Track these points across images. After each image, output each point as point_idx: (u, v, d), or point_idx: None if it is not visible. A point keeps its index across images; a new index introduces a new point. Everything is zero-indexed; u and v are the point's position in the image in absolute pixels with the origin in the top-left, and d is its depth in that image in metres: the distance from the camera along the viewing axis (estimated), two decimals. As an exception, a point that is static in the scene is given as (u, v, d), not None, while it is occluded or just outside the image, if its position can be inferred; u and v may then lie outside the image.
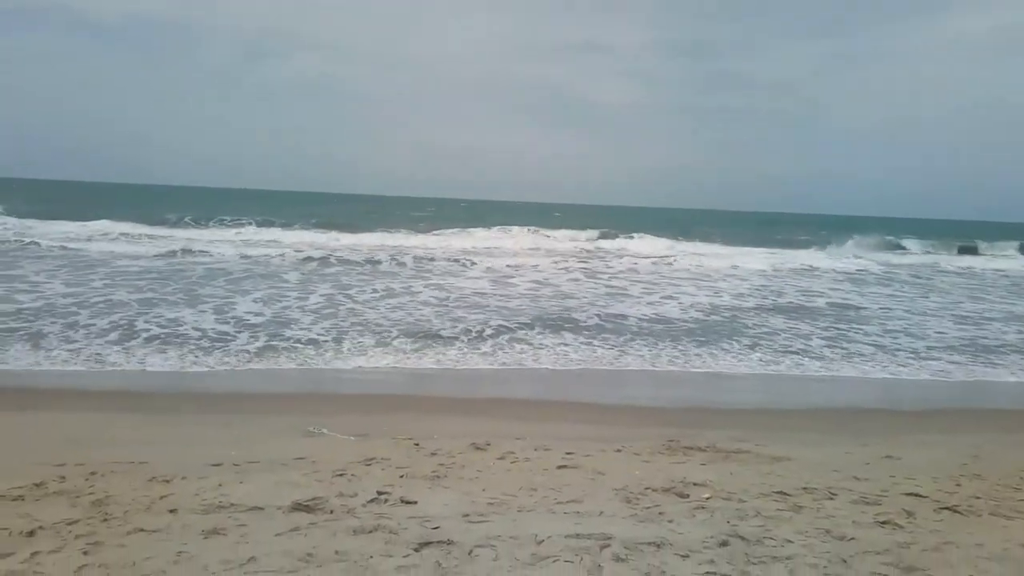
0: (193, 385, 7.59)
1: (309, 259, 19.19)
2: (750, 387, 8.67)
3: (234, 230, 28.40)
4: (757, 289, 17.26)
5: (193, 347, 8.85)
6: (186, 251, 19.46)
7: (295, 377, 8.06)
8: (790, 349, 10.31)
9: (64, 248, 19.24)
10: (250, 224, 30.58)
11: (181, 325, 9.95)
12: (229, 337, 9.42)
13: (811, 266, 22.99)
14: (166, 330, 9.65)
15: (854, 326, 12.39)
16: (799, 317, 13.16)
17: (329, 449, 5.20)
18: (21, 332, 9.14)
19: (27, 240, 20.68)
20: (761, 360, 9.63)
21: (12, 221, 27.07)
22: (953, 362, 10.03)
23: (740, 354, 9.91)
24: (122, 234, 24.50)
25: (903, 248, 36.96)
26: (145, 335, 9.31)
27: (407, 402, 7.32)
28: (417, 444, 5.32)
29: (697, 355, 9.73)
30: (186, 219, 31.46)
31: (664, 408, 7.64)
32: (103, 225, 26.80)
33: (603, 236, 32.16)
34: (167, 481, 4.04)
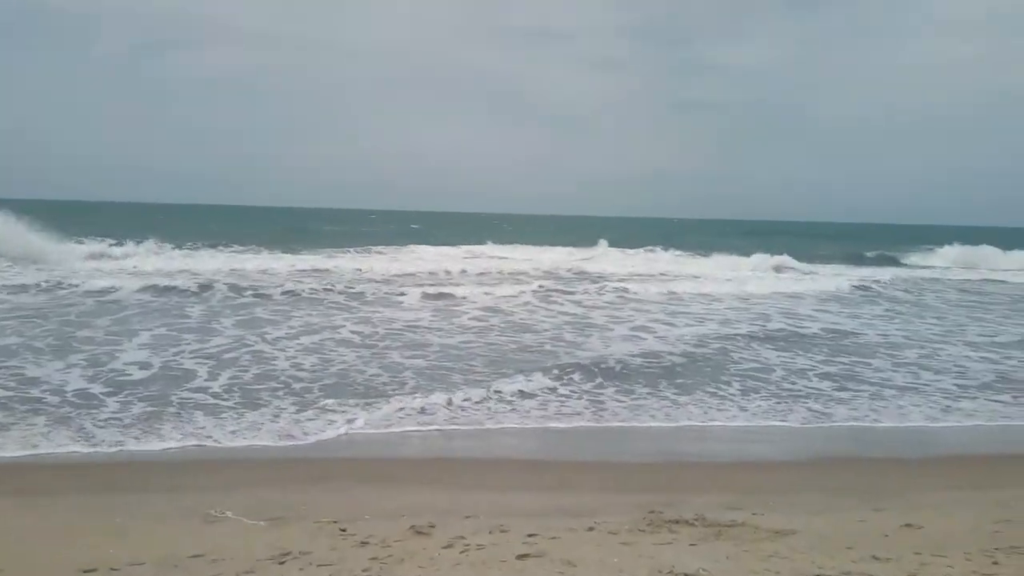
0: (66, 457, 7.11)
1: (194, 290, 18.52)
2: (739, 437, 8.55)
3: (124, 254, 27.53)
4: (736, 312, 17.42)
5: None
6: (69, 285, 18.39)
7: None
8: (791, 392, 10.24)
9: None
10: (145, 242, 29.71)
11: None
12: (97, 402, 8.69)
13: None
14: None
15: (858, 360, 12.39)
16: (789, 347, 13.21)
17: (234, 539, 4.86)
18: None
19: None
20: (756, 406, 9.52)
21: None
22: (998, 401, 10.08)
23: (729, 399, 9.80)
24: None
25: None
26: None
27: (330, 470, 6.99)
28: (343, 529, 5.01)
29: (675, 400, 9.60)
30: (76, 239, 30.26)
31: (641, 466, 7.48)
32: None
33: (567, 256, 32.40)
34: (21, 601, 3.67)
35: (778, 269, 29.87)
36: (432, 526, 5.04)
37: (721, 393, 10.01)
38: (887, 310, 19.46)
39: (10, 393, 8.85)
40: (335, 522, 5.21)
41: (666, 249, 36.46)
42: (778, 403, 9.63)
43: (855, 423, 8.99)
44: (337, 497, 6.09)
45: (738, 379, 10.76)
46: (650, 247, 37.20)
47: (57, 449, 7.18)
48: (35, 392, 8.94)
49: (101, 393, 9.03)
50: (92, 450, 7.21)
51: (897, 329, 15.96)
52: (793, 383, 10.65)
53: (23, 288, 17.73)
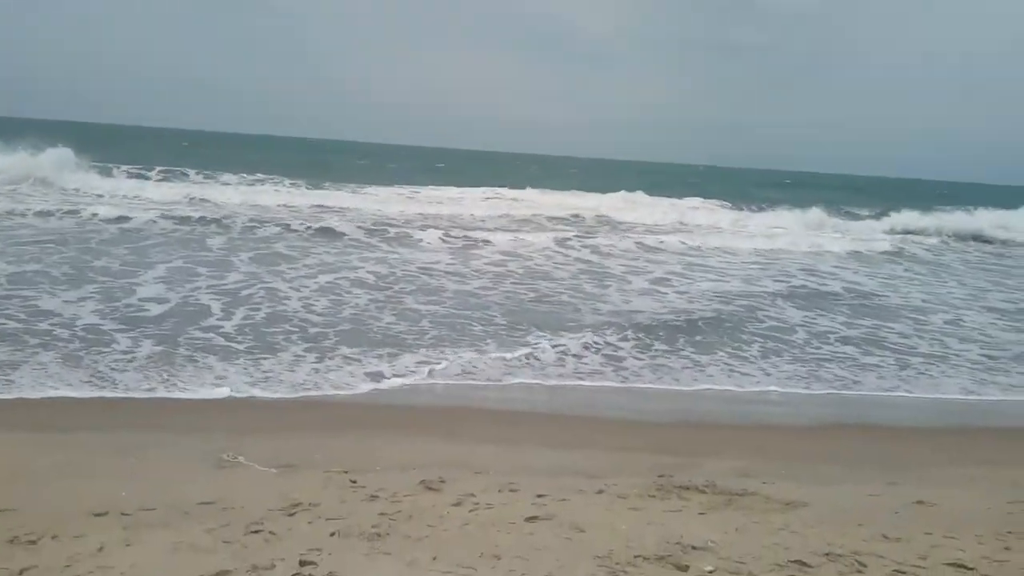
0: (88, 392, 7.16)
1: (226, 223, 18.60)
2: (756, 400, 8.50)
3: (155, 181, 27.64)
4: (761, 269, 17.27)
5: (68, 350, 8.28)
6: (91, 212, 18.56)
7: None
8: (815, 356, 10.16)
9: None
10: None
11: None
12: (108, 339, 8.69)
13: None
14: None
15: (883, 324, 12.25)
16: (812, 306, 13.11)
17: (245, 487, 4.90)
18: None
19: None
20: (777, 369, 9.47)
21: None
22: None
23: (748, 360, 9.73)
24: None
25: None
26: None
27: (344, 417, 7.04)
28: (354, 481, 5.03)
29: (693, 358, 9.55)
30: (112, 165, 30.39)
31: (654, 425, 7.46)
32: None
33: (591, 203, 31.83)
34: (32, 543, 3.71)
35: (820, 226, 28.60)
36: (442, 481, 5.05)
37: (742, 354, 9.95)
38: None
39: (20, 326, 8.92)
40: (346, 472, 5.24)
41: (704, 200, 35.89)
42: (801, 366, 9.57)
43: (878, 393, 8.93)
44: (349, 446, 6.12)
45: (759, 340, 10.69)
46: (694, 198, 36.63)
47: (72, 387, 7.24)
48: (44, 326, 8.99)
49: (113, 330, 9.10)
50: (109, 391, 7.27)
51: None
52: (817, 347, 10.57)
53: (49, 213, 17.97)
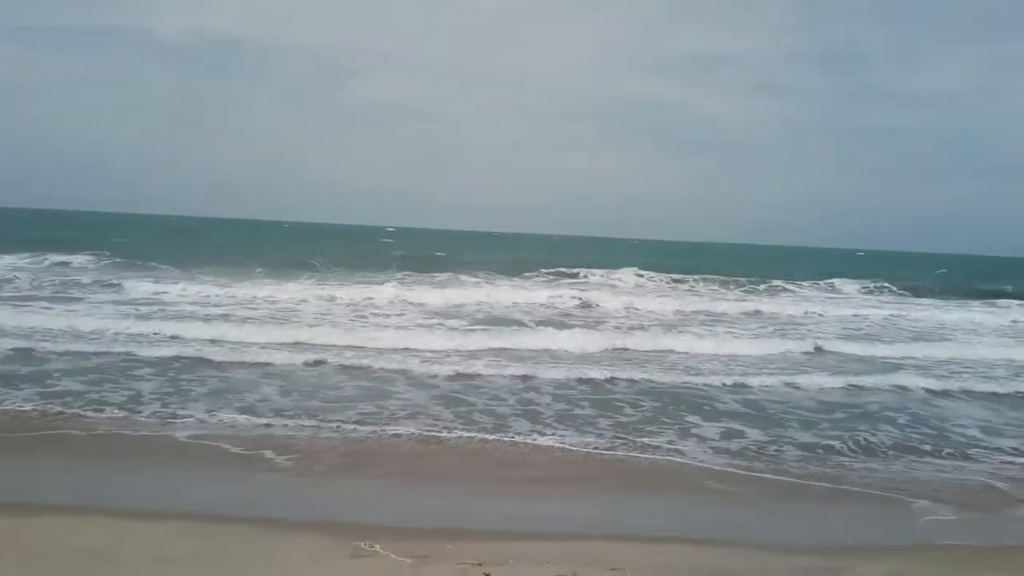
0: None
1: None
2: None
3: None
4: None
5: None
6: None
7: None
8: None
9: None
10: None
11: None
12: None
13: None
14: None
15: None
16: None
17: (380, 577, 5.04)
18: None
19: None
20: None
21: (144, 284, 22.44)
22: None
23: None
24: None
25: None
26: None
27: (477, 503, 7.15)
28: (488, 574, 5.09)
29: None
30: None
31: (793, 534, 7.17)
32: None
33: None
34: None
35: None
36: (577, 579, 5.04)
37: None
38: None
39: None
40: (479, 564, 5.30)
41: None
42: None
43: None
44: (482, 535, 6.19)
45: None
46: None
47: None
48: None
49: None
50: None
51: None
52: None
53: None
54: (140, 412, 9.52)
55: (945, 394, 12.84)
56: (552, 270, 34.41)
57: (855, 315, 24.26)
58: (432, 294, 23.12)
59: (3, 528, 5.72)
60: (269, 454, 8.27)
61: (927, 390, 12.93)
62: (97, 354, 12.65)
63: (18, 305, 17.37)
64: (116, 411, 9.49)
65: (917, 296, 32.98)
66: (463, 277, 29.24)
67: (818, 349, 16.79)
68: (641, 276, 33.98)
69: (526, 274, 32.98)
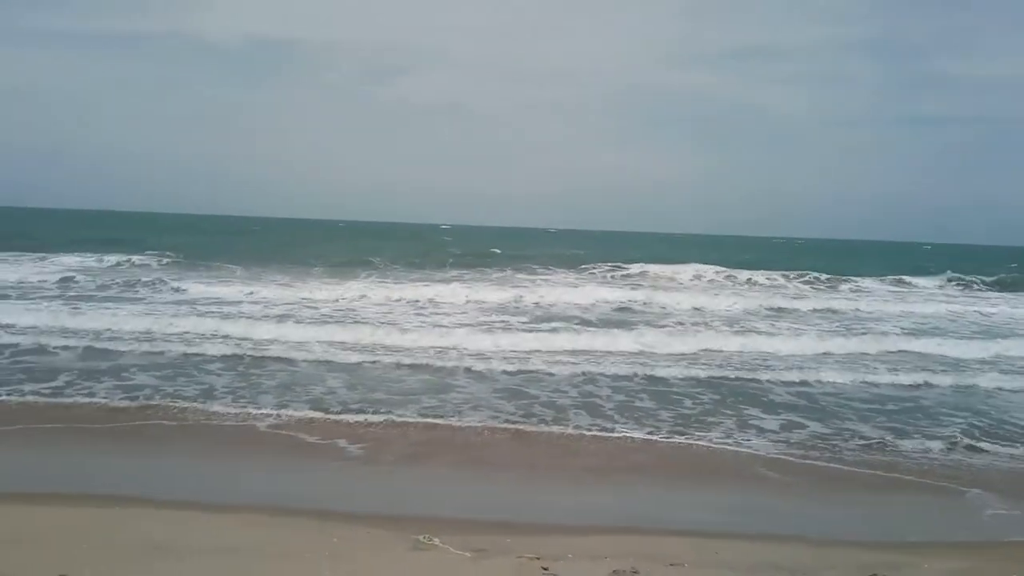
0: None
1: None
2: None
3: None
4: None
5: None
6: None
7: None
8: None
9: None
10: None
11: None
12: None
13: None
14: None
15: None
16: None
17: (438, 571, 5.12)
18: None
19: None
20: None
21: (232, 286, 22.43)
22: None
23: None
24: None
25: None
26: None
27: (538, 501, 7.20)
28: (545, 568, 5.13)
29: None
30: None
31: (864, 515, 7.08)
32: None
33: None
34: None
35: None
36: (635, 572, 5.05)
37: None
38: None
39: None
40: (538, 558, 5.34)
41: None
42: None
43: None
44: (542, 529, 6.25)
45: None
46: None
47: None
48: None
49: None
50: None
51: None
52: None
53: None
54: (215, 403, 10.00)
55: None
56: (609, 264, 34.13)
57: (931, 313, 23.49)
58: (493, 292, 23.16)
59: (83, 520, 5.93)
60: (343, 442, 8.64)
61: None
62: (166, 353, 12.98)
63: (92, 305, 17.92)
64: (198, 403, 9.93)
65: (988, 290, 32.10)
66: (519, 275, 29.28)
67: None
68: (702, 273, 33.24)
69: (583, 266, 33.49)
